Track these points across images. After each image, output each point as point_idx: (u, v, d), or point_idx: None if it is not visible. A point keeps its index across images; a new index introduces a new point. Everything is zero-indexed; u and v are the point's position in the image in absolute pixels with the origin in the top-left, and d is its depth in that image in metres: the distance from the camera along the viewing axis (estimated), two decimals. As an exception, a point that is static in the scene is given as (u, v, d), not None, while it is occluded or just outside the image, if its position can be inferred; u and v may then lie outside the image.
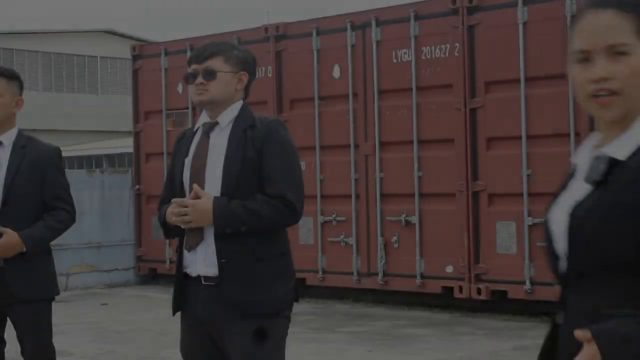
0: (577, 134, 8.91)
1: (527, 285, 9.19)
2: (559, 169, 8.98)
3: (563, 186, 2.21)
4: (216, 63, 3.75)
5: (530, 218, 9.17)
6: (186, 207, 3.64)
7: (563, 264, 2.11)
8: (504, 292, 9.41)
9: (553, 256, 2.15)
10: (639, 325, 1.90)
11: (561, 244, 2.10)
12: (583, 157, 2.17)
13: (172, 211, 3.68)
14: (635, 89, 2.04)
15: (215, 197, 3.65)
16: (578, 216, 2.05)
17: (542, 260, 9.01)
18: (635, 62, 2.04)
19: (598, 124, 2.16)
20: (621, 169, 2.02)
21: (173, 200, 3.72)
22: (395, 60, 10.18)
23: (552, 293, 9.10)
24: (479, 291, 9.50)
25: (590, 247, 2.03)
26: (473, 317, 9.70)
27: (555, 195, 2.21)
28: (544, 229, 2.19)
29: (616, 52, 2.04)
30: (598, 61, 2.05)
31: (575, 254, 2.06)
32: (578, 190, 2.11)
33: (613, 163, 2.04)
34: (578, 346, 1.96)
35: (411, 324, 9.45)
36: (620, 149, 2.04)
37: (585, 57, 2.07)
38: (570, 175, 2.22)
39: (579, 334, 1.91)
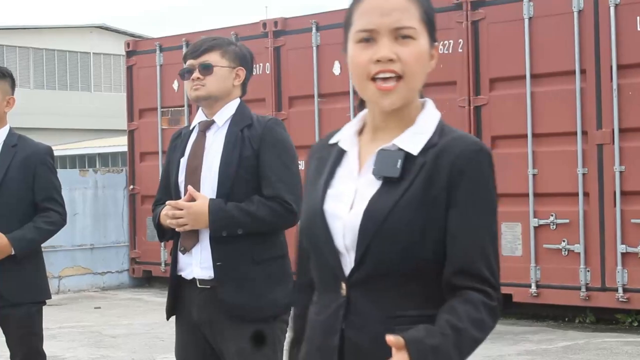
0: (584, 133, 8.75)
1: (533, 289, 9.03)
2: (566, 169, 8.87)
3: (329, 171, 2.10)
4: (213, 57, 3.72)
5: (536, 219, 9.01)
6: (181, 209, 3.58)
7: (347, 262, 2.00)
8: (509, 296, 9.20)
9: (332, 252, 2.02)
10: (444, 337, 1.88)
11: (345, 240, 2.00)
12: (348, 143, 2.09)
13: (167, 213, 3.63)
14: (416, 76, 2.01)
15: (211, 199, 3.60)
16: (376, 216, 1.97)
17: (549, 263, 8.87)
18: (419, 47, 2.01)
19: (372, 112, 2.08)
20: (415, 166, 1.98)
21: (167, 202, 3.66)
22: (396, 57, 9.99)
23: (559, 297, 8.96)
24: (483, 294, 9.31)
25: (389, 248, 1.96)
26: (476, 320, 9.54)
27: (323, 181, 2.07)
28: (314, 220, 2.06)
29: (402, 35, 2.00)
30: (383, 42, 1.99)
31: (370, 254, 1.97)
32: (359, 182, 2.03)
33: (405, 158, 2.00)
34: (366, 350, 1.96)
35: (413, 327, 9.28)
36: (412, 144, 2.01)
37: (369, 37, 2.01)
38: (332, 160, 2.09)
39: (391, 339, 1.85)
